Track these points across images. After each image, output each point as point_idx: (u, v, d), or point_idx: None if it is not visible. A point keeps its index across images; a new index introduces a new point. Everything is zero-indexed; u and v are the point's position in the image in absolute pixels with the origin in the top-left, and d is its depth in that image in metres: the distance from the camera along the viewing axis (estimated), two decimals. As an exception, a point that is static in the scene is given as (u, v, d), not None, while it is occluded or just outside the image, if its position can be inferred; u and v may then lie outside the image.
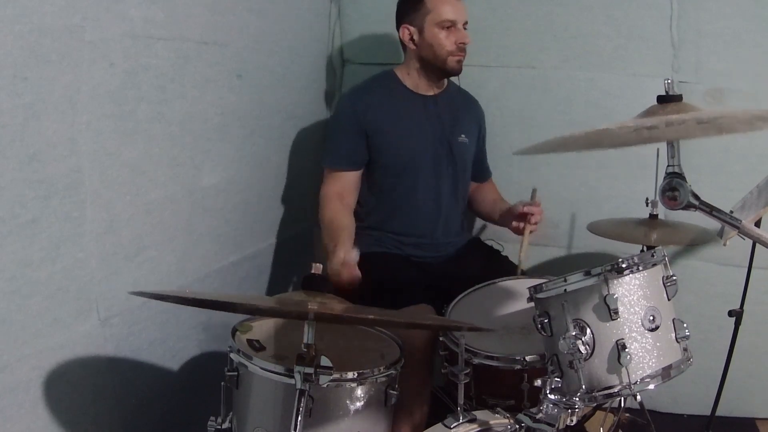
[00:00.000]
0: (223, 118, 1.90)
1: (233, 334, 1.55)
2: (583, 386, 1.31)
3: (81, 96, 1.42)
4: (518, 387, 1.58)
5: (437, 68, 2.06)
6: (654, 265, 1.37)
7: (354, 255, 1.82)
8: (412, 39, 2.05)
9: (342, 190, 2.05)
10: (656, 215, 1.94)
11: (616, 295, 1.30)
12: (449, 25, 2.00)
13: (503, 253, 2.21)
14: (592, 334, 1.32)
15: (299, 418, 1.22)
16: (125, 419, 1.68)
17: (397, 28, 2.09)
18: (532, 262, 2.32)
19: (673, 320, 1.36)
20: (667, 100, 1.26)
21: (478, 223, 2.46)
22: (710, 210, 1.16)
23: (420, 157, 2.08)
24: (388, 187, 2.09)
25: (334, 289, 1.41)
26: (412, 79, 2.11)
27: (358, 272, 1.81)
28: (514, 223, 2.04)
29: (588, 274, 1.33)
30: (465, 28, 2.04)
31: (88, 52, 1.42)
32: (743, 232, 1.18)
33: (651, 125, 1.15)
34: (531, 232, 2.01)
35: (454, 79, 2.15)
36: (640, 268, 1.34)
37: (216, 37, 1.84)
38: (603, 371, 1.32)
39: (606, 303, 1.30)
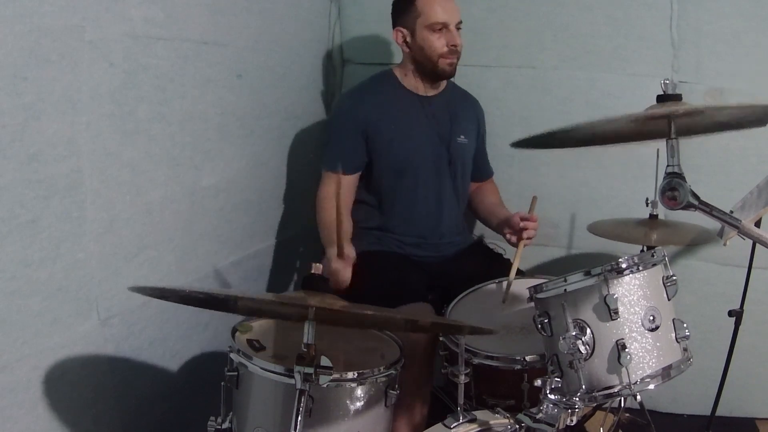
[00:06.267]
0: (223, 118, 1.90)
1: (233, 334, 1.56)
2: (583, 386, 1.31)
3: (81, 96, 1.42)
4: (518, 387, 1.58)
5: (430, 71, 2.05)
6: (654, 265, 1.37)
7: (349, 255, 1.82)
8: (405, 42, 2.05)
9: (340, 192, 2.03)
10: (656, 215, 1.93)
11: (616, 295, 1.30)
12: (440, 27, 1.99)
13: (505, 256, 2.21)
14: (592, 334, 1.32)
15: (299, 418, 1.22)
16: (125, 419, 1.68)
17: (393, 30, 2.08)
18: (532, 262, 2.31)
19: (673, 320, 1.36)
20: (666, 99, 1.26)
21: (480, 223, 2.45)
22: (710, 210, 1.16)
23: (419, 158, 2.07)
24: (387, 188, 2.09)
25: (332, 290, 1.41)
26: (409, 79, 2.10)
27: (348, 275, 1.83)
28: (508, 235, 2.03)
29: (588, 274, 1.33)
30: (459, 29, 2.02)
31: (88, 52, 1.42)
32: (743, 232, 1.17)
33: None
34: (524, 245, 1.97)
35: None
36: (640, 268, 1.34)
37: (216, 37, 1.83)
38: (603, 371, 1.32)
39: (606, 303, 1.30)
